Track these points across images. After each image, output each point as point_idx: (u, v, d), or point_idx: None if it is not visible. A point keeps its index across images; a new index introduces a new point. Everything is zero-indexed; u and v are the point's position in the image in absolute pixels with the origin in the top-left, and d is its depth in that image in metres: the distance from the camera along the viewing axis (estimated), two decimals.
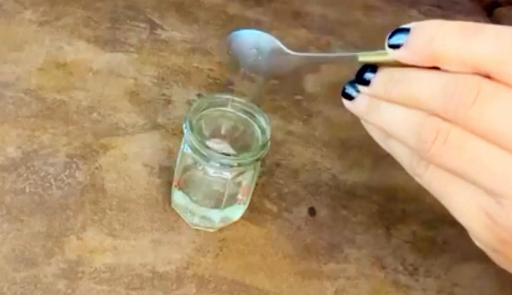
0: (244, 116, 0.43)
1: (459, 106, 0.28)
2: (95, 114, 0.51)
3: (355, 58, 0.34)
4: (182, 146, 0.43)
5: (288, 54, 0.37)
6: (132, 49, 0.56)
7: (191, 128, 0.41)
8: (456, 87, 0.28)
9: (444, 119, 0.28)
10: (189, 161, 0.43)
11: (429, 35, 0.29)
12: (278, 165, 0.50)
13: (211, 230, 0.45)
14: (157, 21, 0.59)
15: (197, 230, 0.45)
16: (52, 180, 0.45)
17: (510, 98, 0.27)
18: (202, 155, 0.41)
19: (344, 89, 0.34)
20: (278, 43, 0.38)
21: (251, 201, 0.46)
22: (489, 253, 0.33)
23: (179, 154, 0.43)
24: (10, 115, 0.49)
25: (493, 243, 0.31)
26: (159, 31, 0.59)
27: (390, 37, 0.31)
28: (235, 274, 0.44)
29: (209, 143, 0.42)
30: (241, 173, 0.42)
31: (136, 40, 0.57)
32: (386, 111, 0.32)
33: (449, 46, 0.28)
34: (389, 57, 0.31)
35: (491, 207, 0.29)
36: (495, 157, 0.28)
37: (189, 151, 0.41)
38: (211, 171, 0.42)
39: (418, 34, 0.29)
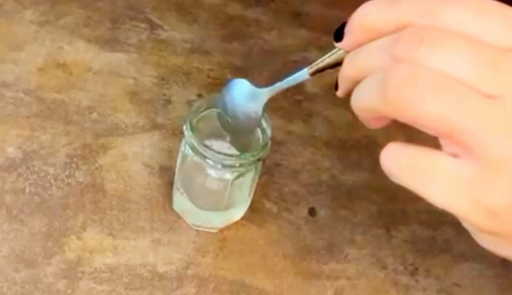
0: None
1: (408, 48, 0.28)
2: (95, 114, 0.51)
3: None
4: (182, 147, 0.43)
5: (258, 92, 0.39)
6: (132, 49, 0.56)
7: (192, 129, 0.41)
8: (401, 35, 0.29)
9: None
10: (190, 162, 0.43)
11: (361, 15, 0.31)
12: (278, 165, 0.50)
13: (212, 231, 0.45)
14: (157, 21, 0.59)
15: (197, 230, 0.45)
16: (52, 180, 0.45)
17: (450, 34, 0.28)
18: (202, 156, 0.40)
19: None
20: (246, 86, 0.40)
21: (251, 201, 0.46)
22: (485, 237, 0.31)
23: (180, 155, 0.43)
24: (10, 115, 0.49)
25: (483, 220, 0.28)
26: (159, 31, 0.59)
27: (335, 33, 0.33)
28: (235, 274, 0.44)
29: (210, 143, 0.42)
30: (242, 173, 0.42)
31: (136, 40, 0.57)
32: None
33: (376, 14, 0.30)
34: (339, 52, 0.33)
35: (473, 179, 0.28)
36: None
37: (190, 152, 0.41)
38: (212, 172, 0.42)
39: (352, 18, 0.32)
